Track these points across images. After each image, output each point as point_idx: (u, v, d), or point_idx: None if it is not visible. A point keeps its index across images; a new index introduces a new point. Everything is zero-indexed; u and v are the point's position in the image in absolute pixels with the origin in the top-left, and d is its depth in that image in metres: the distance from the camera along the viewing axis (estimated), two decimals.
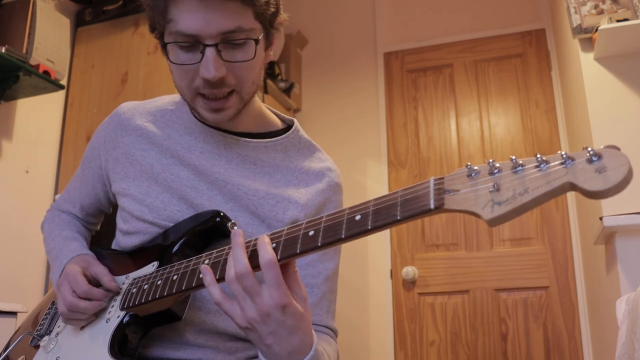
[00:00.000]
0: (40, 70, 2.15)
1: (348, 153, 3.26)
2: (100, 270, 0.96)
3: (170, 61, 0.91)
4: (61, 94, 2.54)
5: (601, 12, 2.12)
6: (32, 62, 2.15)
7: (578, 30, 2.15)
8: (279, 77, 3.23)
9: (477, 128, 3.13)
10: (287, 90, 3.25)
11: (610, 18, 2.00)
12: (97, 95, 2.54)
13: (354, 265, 3.07)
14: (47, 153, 2.49)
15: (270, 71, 3.14)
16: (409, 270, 2.97)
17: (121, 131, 1.05)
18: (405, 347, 2.94)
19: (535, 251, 2.87)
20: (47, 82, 2.19)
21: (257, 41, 0.89)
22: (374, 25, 3.47)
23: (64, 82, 2.35)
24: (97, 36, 2.63)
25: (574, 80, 2.45)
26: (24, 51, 2.13)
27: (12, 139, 2.30)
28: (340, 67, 3.48)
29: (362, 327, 3.03)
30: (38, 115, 2.45)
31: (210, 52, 0.86)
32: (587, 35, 2.14)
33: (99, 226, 1.22)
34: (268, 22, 0.93)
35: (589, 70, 2.15)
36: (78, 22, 2.67)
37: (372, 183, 3.22)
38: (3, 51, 2.03)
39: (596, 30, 2.00)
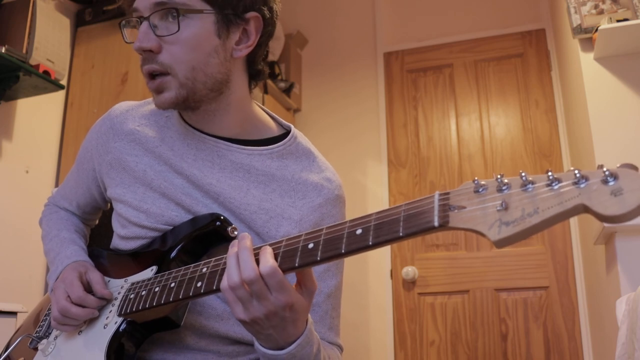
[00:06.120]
0: (40, 70, 2.15)
1: (348, 153, 3.26)
2: (94, 277, 0.95)
3: (125, 41, 0.96)
4: (61, 94, 2.54)
5: (601, 12, 2.11)
6: (32, 62, 2.15)
7: (578, 30, 2.15)
8: (279, 77, 3.23)
9: (477, 128, 3.13)
10: (287, 90, 3.25)
11: (610, 18, 2.00)
12: (97, 95, 2.54)
13: (354, 265, 3.07)
14: (47, 153, 2.49)
15: (270, 71, 3.14)
16: (409, 270, 2.97)
17: (113, 136, 1.03)
18: (405, 347, 2.94)
19: (535, 251, 2.87)
20: (47, 82, 2.18)
21: (178, 11, 0.88)
22: (374, 25, 3.47)
23: (64, 82, 2.35)
24: (97, 36, 2.63)
25: (574, 80, 2.45)
26: (24, 51, 2.13)
27: (12, 139, 2.30)
28: (340, 67, 3.48)
29: (362, 327, 3.03)
30: (38, 115, 2.45)
31: (142, 24, 0.90)
32: (587, 35, 2.14)
33: (97, 220, 1.22)
34: (223, 5, 0.91)
35: (589, 70, 2.15)
36: (78, 22, 2.66)
37: (372, 183, 3.22)
38: (3, 51, 2.03)
39: (596, 30, 2.00)
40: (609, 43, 2.03)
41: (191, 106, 0.95)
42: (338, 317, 1.03)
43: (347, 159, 3.23)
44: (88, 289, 0.94)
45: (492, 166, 3.04)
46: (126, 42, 0.97)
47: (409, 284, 3.01)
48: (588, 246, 2.48)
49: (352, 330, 2.99)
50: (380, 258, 3.08)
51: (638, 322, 1.43)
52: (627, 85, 2.08)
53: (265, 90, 2.98)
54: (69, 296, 0.92)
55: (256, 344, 0.80)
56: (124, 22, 0.96)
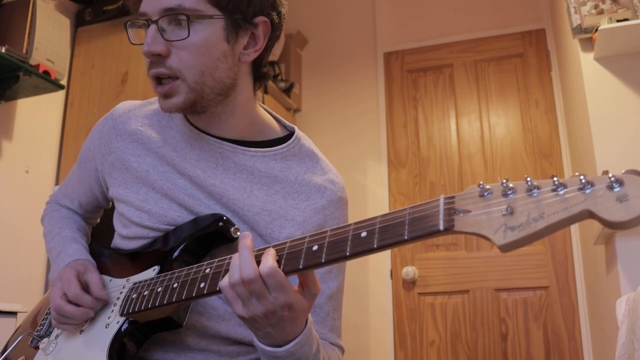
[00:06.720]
0: (40, 70, 2.15)
1: (348, 153, 3.26)
2: (92, 279, 0.94)
3: (131, 42, 0.96)
4: (61, 94, 2.54)
5: (601, 12, 2.11)
6: (32, 62, 2.15)
7: (578, 30, 2.15)
8: (279, 77, 3.23)
9: (477, 128, 3.13)
10: (287, 90, 3.25)
11: (610, 18, 2.00)
12: (97, 95, 2.54)
13: (354, 265, 3.07)
14: (47, 153, 2.49)
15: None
16: (409, 270, 2.97)
17: (115, 135, 1.03)
18: (405, 347, 2.94)
19: (535, 251, 2.87)
20: (47, 82, 2.18)
21: (189, 18, 0.86)
22: (374, 25, 3.47)
23: (64, 82, 2.35)
24: (97, 36, 2.63)
25: (574, 80, 2.45)
26: (24, 51, 2.13)
27: (12, 139, 2.30)
28: (340, 67, 3.48)
29: (362, 327, 3.03)
30: (38, 115, 2.45)
31: (150, 28, 0.89)
32: (587, 35, 2.14)
33: (99, 219, 1.22)
34: (233, 11, 0.90)
35: (589, 70, 2.15)
36: (78, 22, 2.66)
37: (372, 183, 3.22)
38: (3, 51, 2.03)
39: (596, 30, 2.00)
40: (609, 43, 2.03)
41: (198, 110, 0.94)
42: (339, 318, 1.03)
43: (347, 159, 3.23)
44: (86, 289, 0.94)
45: (492, 166, 3.04)
46: (131, 44, 0.96)
47: (409, 284, 3.01)
48: (588, 246, 2.48)
49: (352, 330, 2.99)
50: (380, 258, 3.08)
51: (638, 322, 1.44)
52: (627, 85, 2.08)
53: (266, 90, 2.98)
54: (64, 294, 0.92)
55: (255, 340, 0.80)
56: (129, 22, 0.95)
